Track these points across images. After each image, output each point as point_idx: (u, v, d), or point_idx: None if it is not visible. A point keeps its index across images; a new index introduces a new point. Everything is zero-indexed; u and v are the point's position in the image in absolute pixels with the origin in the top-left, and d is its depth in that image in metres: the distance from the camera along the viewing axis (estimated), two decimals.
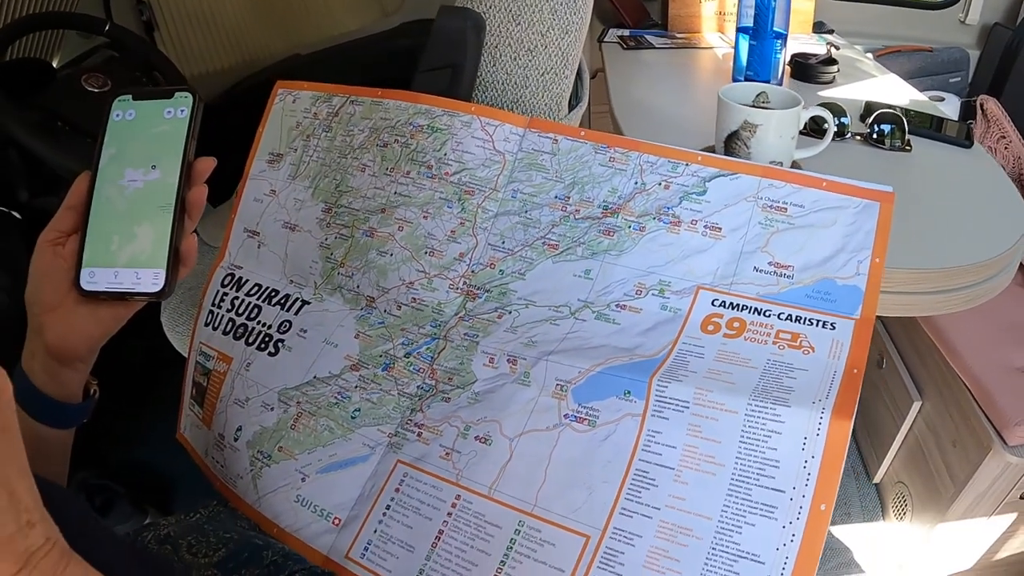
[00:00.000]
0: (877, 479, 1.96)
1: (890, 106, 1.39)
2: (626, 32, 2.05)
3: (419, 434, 0.75)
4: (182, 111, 0.65)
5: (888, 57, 2.39)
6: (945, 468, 1.67)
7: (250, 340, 0.89)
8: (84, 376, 0.69)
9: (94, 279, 0.63)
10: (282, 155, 0.97)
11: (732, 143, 0.99)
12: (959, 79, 2.49)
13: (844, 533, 1.87)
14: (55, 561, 0.41)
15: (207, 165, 0.65)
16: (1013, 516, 1.63)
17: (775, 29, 1.50)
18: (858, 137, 1.34)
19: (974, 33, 2.42)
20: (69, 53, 1.78)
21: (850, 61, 1.83)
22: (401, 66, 1.03)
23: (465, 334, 0.78)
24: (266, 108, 1.01)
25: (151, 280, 0.62)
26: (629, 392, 0.68)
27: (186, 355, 0.97)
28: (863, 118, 1.42)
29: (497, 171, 0.85)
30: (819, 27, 2.11)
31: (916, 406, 1.77)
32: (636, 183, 0.79)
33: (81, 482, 1.87)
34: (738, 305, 0.72)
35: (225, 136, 1.16)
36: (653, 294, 0.74)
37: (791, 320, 0.69)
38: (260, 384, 0.85)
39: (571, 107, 1.07)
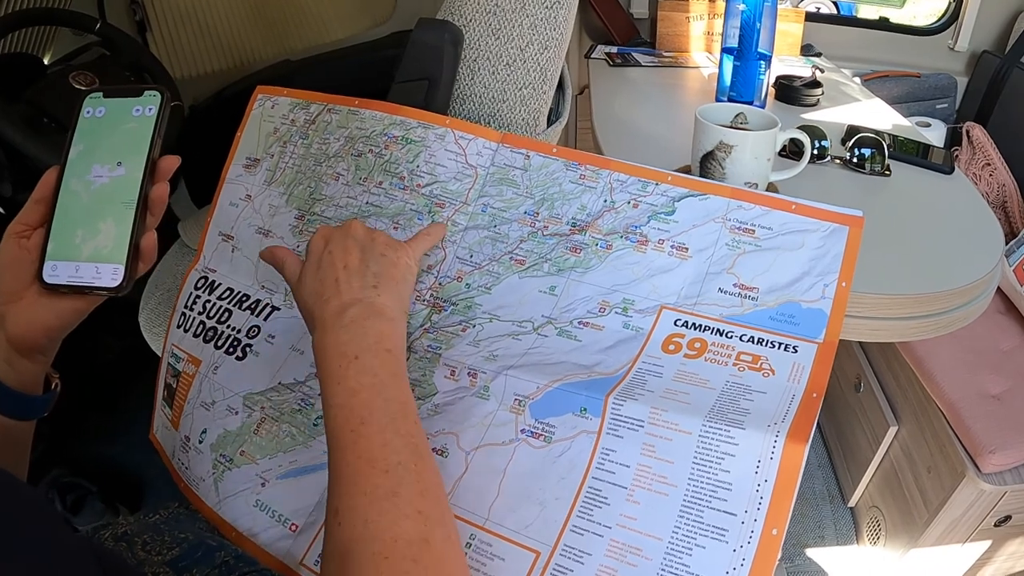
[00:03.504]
0: (852, 503, 1.97)
1: (871, 130, 1.39)
2: (613, 49, 2.05)
3: None
4: (150, 109, 0.66)
5: (876, 82, 2.40)
6: (919, 494, 1.67)
7: (219, 343, 0.89)
8: (44, 368, 0.69)
9: (56, 272, 0.64)
10: (259, 160, 0.97)
11: (708, 163, 0.99)
12: (946, 105, 2.50)
13: (818, 556, 1.87)
14: None
15: (170, 163, 0.66)
16: (987, 543, 1.63)
17: (759, 50, 1.50)
18: (837, 161, 1.34)
19: (963, 60, 2.43)
20: (61, 50, 1.79)
21: (835, 85, 1.83)
22: (389, 75, 1.03)
23: (428, 346, 0.78)
24: (245, 112, 1.02)
25: (110, 275, 0.63)
26: (585, 409, 0.68)
27: (161, 353, 0.97)
28: (844, 142, 1.42)
29: (468, 185, 0.85)
30: (807, 50, 2.12)
31: (892, 431, 1.77)
32: (605, 201, 0.79)
33: (53, 480, 1.87)
34: (700, 326, 0.72)
35: (212, 138, 1.17)
36: (616, 312, 0.74)
37: (753, 342, 0.69)
38: (226, 388, 0.85)
39: (550, 122, 1.07)
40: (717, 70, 1.79)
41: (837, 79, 1.89)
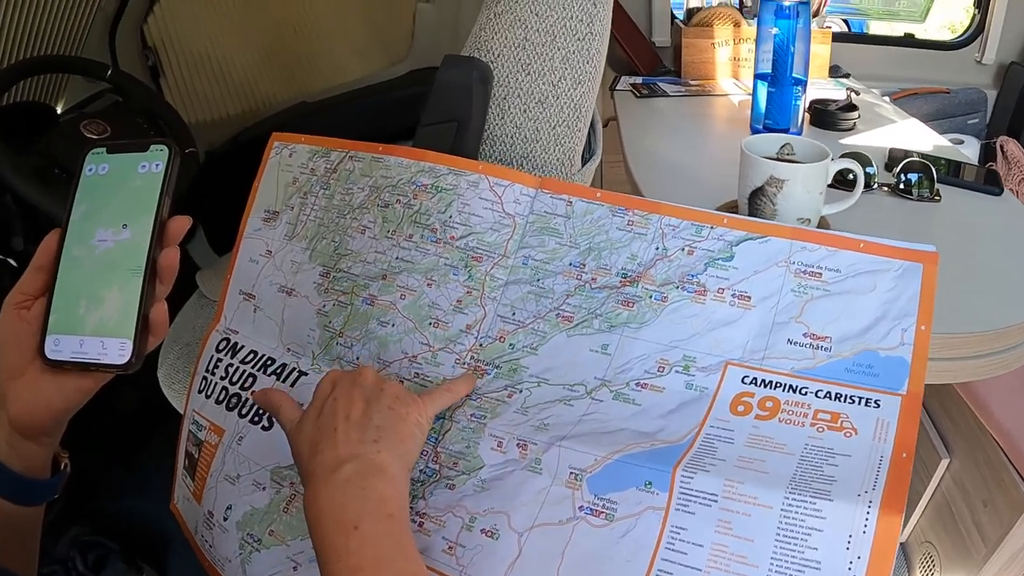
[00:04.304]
0: (903, 538, 1.88)
1: (918, 154, 1.34)
2: (638, 80, 2.02)
3: (420, 524, 0.68)
4: (157, 166, 0.61)
5: (905, 100, 2.36)
6: (976, 528, 1.59)
7: (243, 412, 0.84)
8: (50, 451, 0.65)
9: (59, 347, 0.59)
10: (278, 213, 0.92)
11: (757, 200, 0.94)
12: (977, 120, 2.46)
13: None
14: None
15: (180, 225, 0.61)
16: None
17: (794, 75, 1.46)
18: (885, 188, 1.29)
19: (990, 73, 2.39)
20: (74, 98, 1.77)
21: (869, 106, 1.79)
22: (410, 114, 0.99)
23: (472, 415, 0.73)
24: (262, 161, 0.97)
25: (117, 351, 0.58)
26: (651, 483, 0.62)
27: (182, 411, 0.93)
28: (888, 167, 1.37)
29: (507, 236, 0.80)
30: (835, 71, 2.08)
31: (944, 463, 1.70)
32: (657, 248, 0.74)
33: (74, 538, 1.83)
34: (771, 382, 0.66)
35: (230, 184, 1.13)
36: (677, 371, 0.69)
37: (830, 398, 0.64)
38: (252, 460, 0.80)
39: (584, 161, 1.02)
40: (747, 97, 1.80)
41: (869, 100, 1.86)
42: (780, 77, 1.46)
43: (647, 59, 2.10)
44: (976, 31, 2.36)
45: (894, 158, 1.38)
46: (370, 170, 0.88)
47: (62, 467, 0.67)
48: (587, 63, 0.92)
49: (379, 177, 0.87)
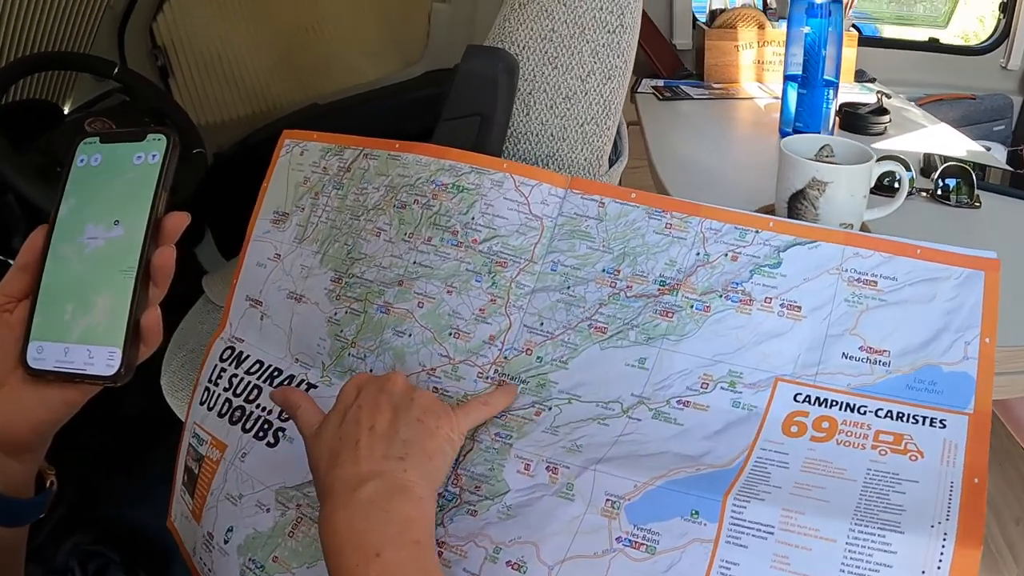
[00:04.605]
0: None
1: (956, 159, 1.30)
2: (660, 82, 1.98)
3: (440, 553, 0.63)
4: (154, 156, 0.56)
5: (931, 106, 2.33)
6: (1008, 548, 1.57)
7: (247, 426, 0.78)
8: (34, 467, 0.60)
9: (42, 355, 0.54)
10: (288, 214, 0.87)
11: (798, 203, 0.89)
12: (1003, 127, 2.44)
13: None
14: None
15: (178, 222, 0.56)
16: None
17: (826, 77, 1.42)
18: (923, 193, 1.24)
19: (1016, 79, 2.36)
20: (82, 97, 1.74)
21: (897, 111, 1.76)
22: (426, 117, 0.94)
23: (496, 434, 0.67)
24: (271, 161, 0.92)
25: (105, 361, 0.53)
26: (697, 512, 0.56)
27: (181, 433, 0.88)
28: (924, 172, 1.33)
29: (534, 239, 0.74)
30: (860, 76, 2.04)
31: None
32: (698, 254, 0.68)
33: (74, 547, 1.80)
34: (826, 400, 0.61)
35: (238, 187, 1.10)
36: (722, 387, 0.63)
37: (891, 418, 0.59)
38: (256, 479, 0.75)
39: (610, 163, 0.97)
40: (772, 100, 1.77)
41: (898, 105, 1.83)
42: (811, 79, 1.42)
43: (668, 62, 2.06)
44: (1001, 36, 2.35)
45: (930, 163, 1.34)
46: (386, 168, 0.82)
47: (48, 484, 0.62)
48: (617, 57, 0.87)
49: (396, 176, 0.81)
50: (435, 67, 1.99)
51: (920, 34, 3.09)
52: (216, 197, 1.65)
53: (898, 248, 0.65)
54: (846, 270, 0.65)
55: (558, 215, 0.74)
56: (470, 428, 0.66)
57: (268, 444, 0.76)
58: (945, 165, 1.24)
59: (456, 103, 0.84)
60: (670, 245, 0.70)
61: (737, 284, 0.66)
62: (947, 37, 2.97)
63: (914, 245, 0.64)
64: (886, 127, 1.60)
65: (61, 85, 1.71)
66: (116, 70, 1.50)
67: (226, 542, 0.74)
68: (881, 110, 1.60)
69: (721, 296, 0.66)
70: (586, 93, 0.87)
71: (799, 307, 0.65)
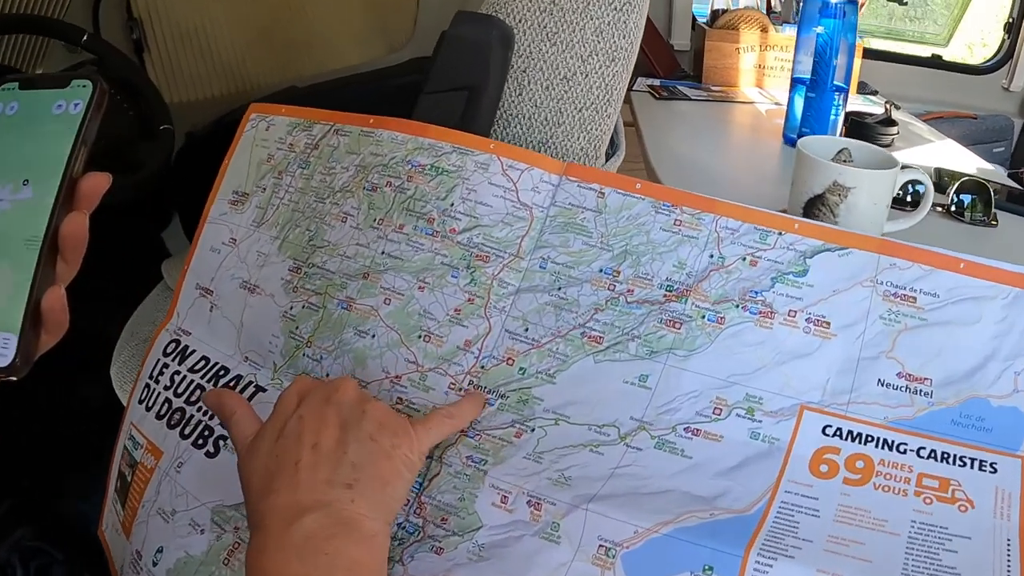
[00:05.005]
0: None
1: (973, 175, 1.24)
2: (656, 82, 1.92)
3: None
4: (76, 106, 0.48)
5: (931, 123, 2.28)
6: None
7: (186, 432, 0.70)
8: None
9: None
10: (248, 195, 0.79)
11: (816, 209, 0.81)
12: (1003, 149, 2.39)
13: None
14: None
15: (97, 184, 0.47)
16: None
17: (835, 83, 1.35)
18: (938, 208, 1.17)
19: (1017, 101, 2.33)
20: (53, 67, 1.67)
21: (904, 124, 1.70)
22: (410, 105, 0.85)
23: (469, 457, 0.58)
24: (235, 137, 0.84)
25: None
26: (711, 569, 0.49)
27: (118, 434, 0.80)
28: (937, 187, 1.25)
29: (521, 231, 0.66)
30: (862, 88, 1.99)
31: None
32: (712, 256, 0.61)
33: (16, 542, 1.70)
34: (860, 435, 0.54)
35: (211, 169, 1.03)
36: (738, 414, 0.55)
37: (935, 459, 0.53)
38: (191, 494, 0.66)
39: (608, 156, 0.88)
40: (773, 106, 1.71)
41: (903, 118, 1.76)
42: (820, 82, 1.34)
43: (665, 62, 2.01)
44: (1005, 56, 2.31)
45: (941, 178, 1.28)
46: (357, 146, 0.74)
47: None
48: (623, 38, 0.79)
49: (368, 155, 0.73)
50: (422, 54, 1.92)
51: (916, 50, 3.07)
52: (186, 178, 1.57)
53: (939, 260, 0.58)
54: (881, 282, 0.58)
55: (550, 205, 0.66)
56: (432, 446, 0.57)
57: (207, 454, 0.68)
58: (962, 180, 1.18)
59: (441, 74, 0.75)
60: (679, 245, 0.62)
61: (756, 293, 0.59)
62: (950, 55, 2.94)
63: (957, 258, 0.58)
64: (894, 139, 1.53)
65: (31, 54, 1.63)
66: (85, 38, 1.41)
67: (155, 564, 0.65)
68: (889, 121, 1.54)
69: (738, 306, 0.59)
70: (587, 75, 0.78)
71: (828, 323, 0.57)
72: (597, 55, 0.78)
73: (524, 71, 0.77)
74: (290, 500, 0.48)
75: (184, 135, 1.78)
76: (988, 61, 2.38)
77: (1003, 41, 2.33)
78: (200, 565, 0.63)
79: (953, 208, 1.17)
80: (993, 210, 1.17)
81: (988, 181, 1.26)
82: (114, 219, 1.54)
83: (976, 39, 2.89)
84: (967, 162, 1.51)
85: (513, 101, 0.78)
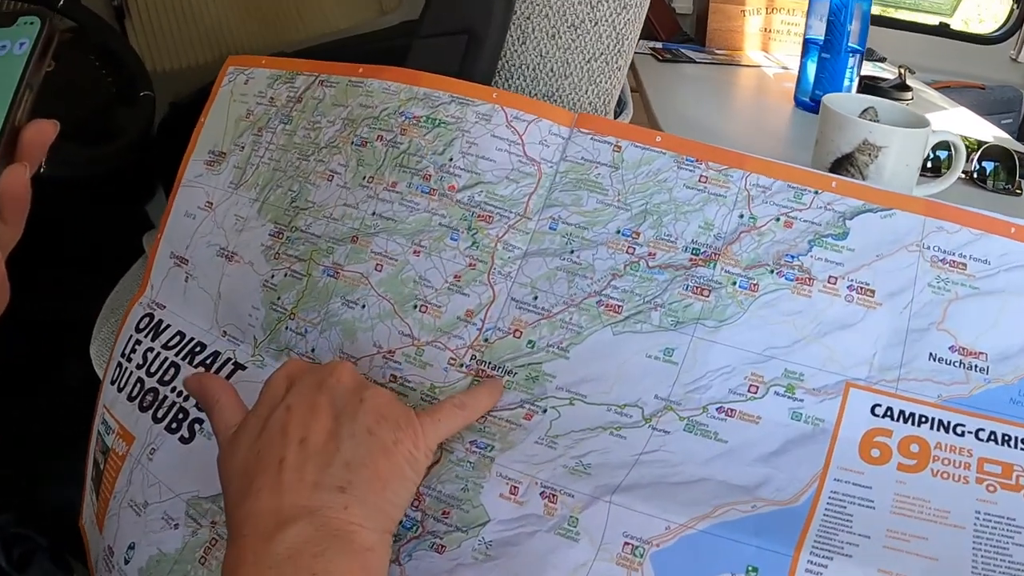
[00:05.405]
0: None
1: (998, 141, 1.21)
2: (659, 44, 1.89)
3: None
4: (21, 44, 0.45)
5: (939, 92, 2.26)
6: None
7: (159, 415, 0.65)
8: None
9: None
10: (225, 154, 0.74)
11: (842, 170, 0.78)
12: (1011, 121, 2.36)
13: None
14: None
15: (42, 131, 0.43)
16: None
17: (851, 44, 1.31)
18: (961, 176, 1.12)
19: None
20: None
21: (917, 91, 1.67)
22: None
23: (472, 442, 0.53)
24: (211, 92, 0.79)
25: None
26: (755, 570, 0.44)
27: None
28: None
29: (528, 189, 0.60)
30: (870, 55, 1.95)
31: None
32: (742, 216, 0.56)
33: None
34: (914, 416, 0.49)
35: None
36: (777, 392, 0.50)
37: (996, 441, 0.49)
38: (164, 484, 0.62)
39: (615, 115, 0.83)
40: (781, 70, 1.69)
41: (916, 85, 1.74)
42: (835, 43, 1.31)
43: (667, 25, 1.97)
44: (1014, 27, 2.27)
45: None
46: (344, 98, 0.68)
47: None
48: None
49: (356, 107, 0.67)
50: (413, 17, 1.88)
51: (911, 17, 3.06)
52: (169, 149, 1.54)
53: (989, 224, 0.55)
54: (928, 247, 0.54)
55: (560, 160, 0.61)
56: (440, 442, 0.51)
57: (182, 439, 0.63)
58: (986, 146, 1.15)
59: (438, 15, 0.69)
60: (705, 204, 0.56)
61: (792, 258, 0.54)
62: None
63: (1008, 222, 0.55)
64: (908, 105, 1.49)
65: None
66: (62, 2, 1.37)
67: (126, 562, 0.61)
68: (904, 86, 1.50)
69: (772, 272, 0.54)
70: (596, 23, 0.72)
71: (872, 291, 0.53)
72: (607, 1, 0.72)
73: (528, 17, 0.71)
74: (272, 506, 0.43)
75: (167, 104, 1.75)
76: (997, 31, 2.34)
77: (1011, 11, 2.29)
78: (174, 564, 0.58)
79: (976, 175, 1.14)
80: (1018, 178, 1.14)
81: (1012, 148, 1.22)
82: (96, 191, 1.48)
83: (972, 15, 2.87)
84: (983, 130, 1.47)
85: (516, 51, 0.72)
